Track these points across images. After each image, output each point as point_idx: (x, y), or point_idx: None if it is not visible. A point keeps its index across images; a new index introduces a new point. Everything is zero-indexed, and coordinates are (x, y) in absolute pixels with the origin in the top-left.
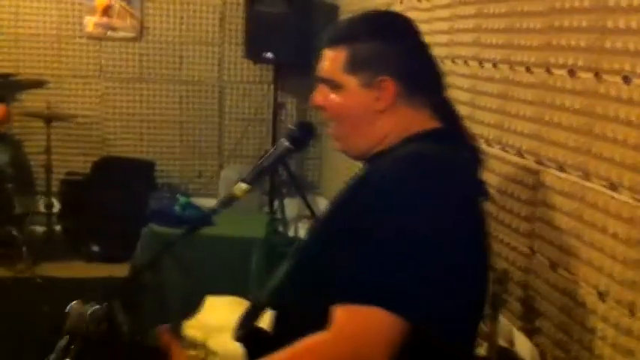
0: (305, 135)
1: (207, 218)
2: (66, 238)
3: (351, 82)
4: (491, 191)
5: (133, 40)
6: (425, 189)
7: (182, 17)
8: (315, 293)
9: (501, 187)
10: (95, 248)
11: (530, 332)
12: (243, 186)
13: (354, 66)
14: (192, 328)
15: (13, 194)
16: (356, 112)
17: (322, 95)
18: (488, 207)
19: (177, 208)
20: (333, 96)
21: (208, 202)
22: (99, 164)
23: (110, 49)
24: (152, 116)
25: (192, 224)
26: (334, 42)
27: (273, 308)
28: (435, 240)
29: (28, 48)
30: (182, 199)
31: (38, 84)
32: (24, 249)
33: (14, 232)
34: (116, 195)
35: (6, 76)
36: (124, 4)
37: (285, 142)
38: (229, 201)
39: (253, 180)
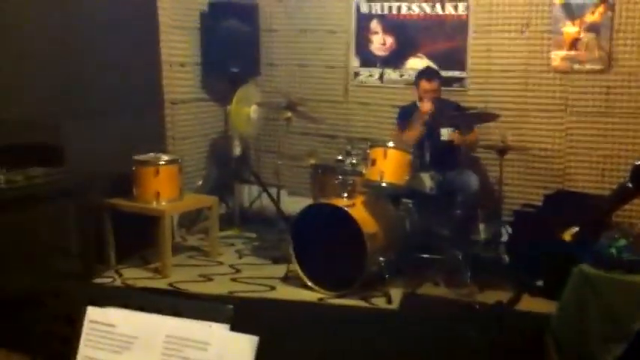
0: None
1: None
2: (511, 268)
3: None
4: None
5: (600, 72)
6: None
7: None
8: None
9: None
10: (540, 283)
11: None
12: (574, 230)
13: None
14: None
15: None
16: None
17: None
18: None
19: (612, 250)
20: None
21: None
22: (551, 198)
23: (576, 82)
24: (616, 151)
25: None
26: None
27: None
28: None
29: (498, 83)
30: (621, 241)
31: (492, 117)
32: (467, 274)
33: (460, 257)
34: (563, 230)
35: (463, 109)
36: (592, 35)
37: (627, 182)
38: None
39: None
